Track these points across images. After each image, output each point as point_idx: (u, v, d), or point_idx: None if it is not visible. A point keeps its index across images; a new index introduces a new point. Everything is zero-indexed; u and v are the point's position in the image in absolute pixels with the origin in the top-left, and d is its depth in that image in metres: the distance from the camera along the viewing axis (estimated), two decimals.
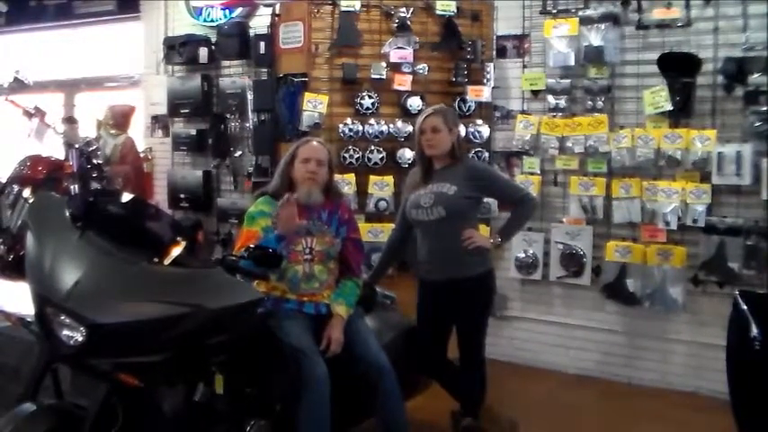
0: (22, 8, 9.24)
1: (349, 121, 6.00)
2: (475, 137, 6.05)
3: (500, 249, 5.55)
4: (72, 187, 7.41)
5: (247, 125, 6.92)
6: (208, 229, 7.27)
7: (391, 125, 6.00)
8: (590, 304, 5.91)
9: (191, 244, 3.38)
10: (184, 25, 7.43)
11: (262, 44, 6.57)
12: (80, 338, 2.75)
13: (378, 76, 6.01)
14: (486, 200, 5.06)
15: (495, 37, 6.26)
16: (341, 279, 4.10)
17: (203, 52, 7.14)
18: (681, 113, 5.39)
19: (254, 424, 3.46)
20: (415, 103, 6.03)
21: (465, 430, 4.39)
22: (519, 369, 6.04)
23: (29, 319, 3.10)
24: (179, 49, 7.22)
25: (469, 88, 6.06)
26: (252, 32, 6.85)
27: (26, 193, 7.47)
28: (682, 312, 5.51)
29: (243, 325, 3.30)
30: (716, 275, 5.31)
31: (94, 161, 7.48)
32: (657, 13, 5.45)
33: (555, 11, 5.92)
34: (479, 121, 6.10)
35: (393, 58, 6.00)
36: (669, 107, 5.37)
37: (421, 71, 6.05)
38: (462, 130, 5.54)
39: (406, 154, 5.94)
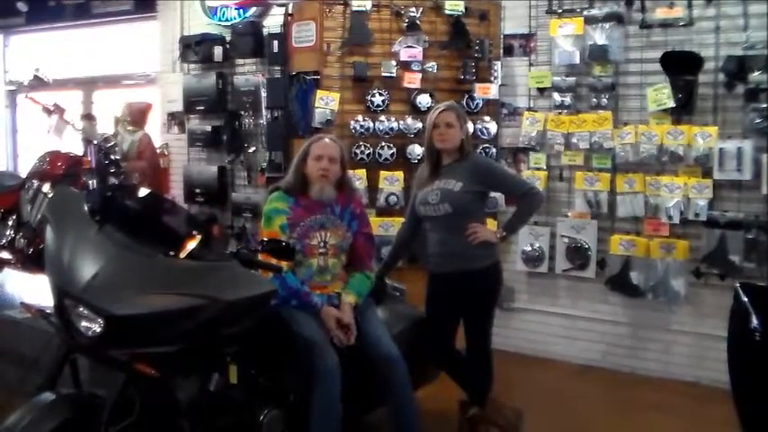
0: (41, 8, 9.34)
1: (360, 117, 6.08)
2: (482, 133, 6.11)
3: (507, 243, 5.62)
4: (90, 182, 7.47)
5: (261, 122, 7.00)
6: (223, 223, 7.37)
7: (401, 122, 6.09)
8: (595, 296, 5.98)
9: (206, 238, 3.32)
10: (200, 25, 7.53)
11: (275, 43, 6.64)
12: (98, 330, 2.77)
13: (388, 74, 6.09)
14: (492, 194, 5.09)
15: (502, 36, 6.30)
16: (351, 273, 4.15)
17: (218, 51, 7.23)
18: (683, 110, 5.44)
19: (268, 413, 3.48)
20: (424, 100, 6.11)
21: (471, 419, 4.44)
22: (525, 359, 6.12)
23: (48, 311, 3.08)
24: (194, 47, 7.32)
25: (477, 86, 6.12)
26: (265, 32, 6.95)
27: (45, 187, 7.54)
28: (684, 304, 5.57)
29: (257, 316, 3.33)
30: (717, 268, 5.37)
31: (112, 157, 7.52)
32: (660, 13, 5.51)
33: (560, 10, 5.99)
34: (487, 118, 6.16)
35: (403, 57, 6.07)
36: (672, 104, 5.42)
37: (430, 69, 6.12)
38: (470, 126, 5.63)
39: (416, 150, 6.00)
